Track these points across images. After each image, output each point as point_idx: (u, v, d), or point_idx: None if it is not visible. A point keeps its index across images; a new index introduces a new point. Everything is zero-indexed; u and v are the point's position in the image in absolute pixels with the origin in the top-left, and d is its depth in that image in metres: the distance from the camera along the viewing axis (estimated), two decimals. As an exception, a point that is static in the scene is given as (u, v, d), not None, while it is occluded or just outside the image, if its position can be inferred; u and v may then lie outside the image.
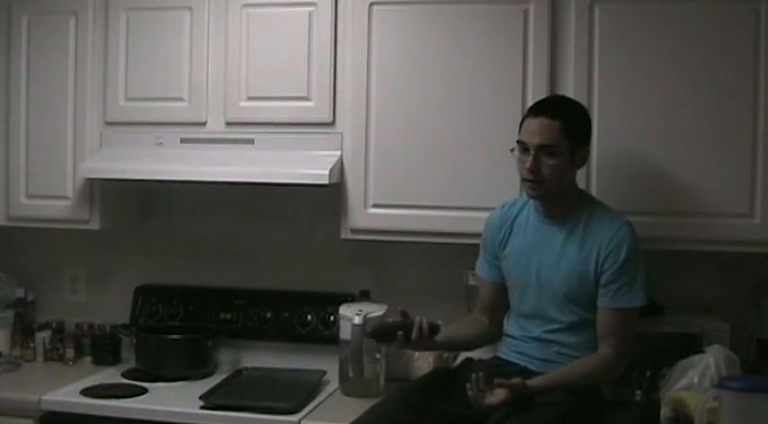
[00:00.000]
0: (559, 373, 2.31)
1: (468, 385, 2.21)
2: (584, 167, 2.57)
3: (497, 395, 2.19)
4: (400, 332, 2.34)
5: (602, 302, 2.34)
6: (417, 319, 2.36)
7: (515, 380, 2.23)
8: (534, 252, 2.44)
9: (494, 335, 2.59)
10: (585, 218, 2.39)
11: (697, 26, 2.55)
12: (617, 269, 2.32)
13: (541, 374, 2.33)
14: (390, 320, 2.46)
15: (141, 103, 2.93)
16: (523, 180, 2.39)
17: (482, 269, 2.59)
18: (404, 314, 2.38)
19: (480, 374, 2.21)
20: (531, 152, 2.33)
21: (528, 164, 2.34)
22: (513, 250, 2.49)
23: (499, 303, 2.57)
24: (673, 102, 2.57)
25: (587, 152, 2.43)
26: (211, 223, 3.24)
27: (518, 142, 2.38)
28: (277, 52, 2.83)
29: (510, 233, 2.50)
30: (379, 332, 2.41)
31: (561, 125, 2.32)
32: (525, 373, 2.35)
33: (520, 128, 2.39)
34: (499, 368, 2.40)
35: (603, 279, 2.33)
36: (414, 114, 2.73)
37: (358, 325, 2.69)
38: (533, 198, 2.43)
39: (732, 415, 2.10)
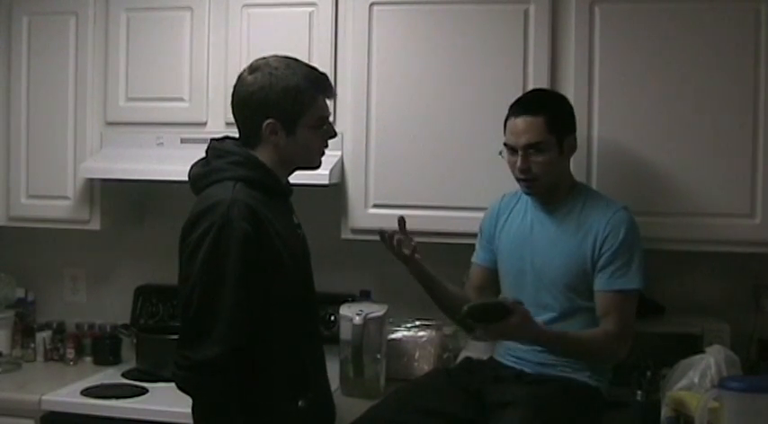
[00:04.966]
0: (568, 333, 2.29)
1: None
2: (585, 167, 2.59)
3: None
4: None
5: (599, 284, 2.33)
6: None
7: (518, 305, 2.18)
8: (528, 240, 2.44)
9: None
10: (581, 205, 2.40)
11: (697, 26, 2.55)
12: (615, 249, 2.31)
13: (538, 376, 2.33)
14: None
15: (142, 103, 2.93)
16: (518, 179, 2.40)
17: (476, 254, 2.60)
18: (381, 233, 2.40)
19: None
20: (520, 152, 2.34)
21: (519, 165, 2.35)
22: (508, 236, 2.49)
23: (487, 286, 2.57)
24: (673, 102, 2.57)
25: (575, 139, 2.42)
26: (212, 223, 3.24)
27: (505, 144, 2.39)
28: (277, 52, 2.81)
29: (507, 219, 2.51)
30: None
31: (545, 120, 2.32)
32: (522, 376, 2.36)
33: (504, 129, 2.40)
34: (497, 371, 2.41)
35: (601, 261, 2.32)
36: (414, 114, 2.73)
37: (358, 325, 2.69)
38: (531, 196, 2.43)
39: (733, 415, 2.10)
